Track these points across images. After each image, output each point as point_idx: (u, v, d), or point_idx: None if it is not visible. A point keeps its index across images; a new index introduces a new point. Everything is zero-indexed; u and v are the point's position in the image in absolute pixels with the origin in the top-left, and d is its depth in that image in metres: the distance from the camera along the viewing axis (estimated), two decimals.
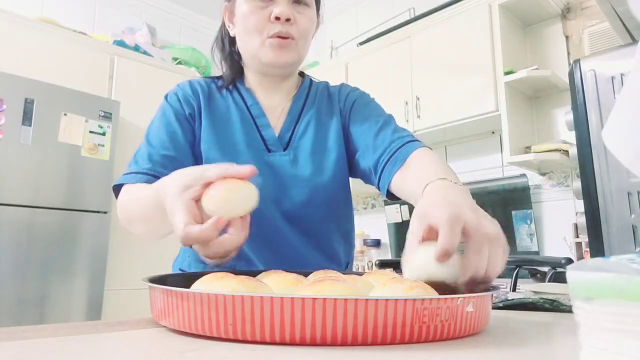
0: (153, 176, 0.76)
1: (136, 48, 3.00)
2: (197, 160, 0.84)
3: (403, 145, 0.76)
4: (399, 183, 0.74)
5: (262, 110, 0.88)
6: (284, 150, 0.85)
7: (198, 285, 0.48)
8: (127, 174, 0.78)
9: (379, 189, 0.80)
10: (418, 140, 0.79)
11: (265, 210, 0.80)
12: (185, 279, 0.52)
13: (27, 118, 2.29)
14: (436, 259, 0.44)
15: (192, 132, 0.86)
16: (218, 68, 0.94)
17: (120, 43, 2.96)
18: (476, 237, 0.45)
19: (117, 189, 0.78)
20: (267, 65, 0.84)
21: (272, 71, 0.86)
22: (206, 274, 0.47)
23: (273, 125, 0.87)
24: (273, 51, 0.81)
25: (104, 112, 2.56)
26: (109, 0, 3.39)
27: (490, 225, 0.47)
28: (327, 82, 0.98)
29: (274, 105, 0.89)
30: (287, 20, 0.79)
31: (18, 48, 2.47)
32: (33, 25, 2.55)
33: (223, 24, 0.92)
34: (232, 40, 0.90)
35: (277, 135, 0.86)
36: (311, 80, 0.98)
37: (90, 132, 2.50)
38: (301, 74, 0.98)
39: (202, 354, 0.32)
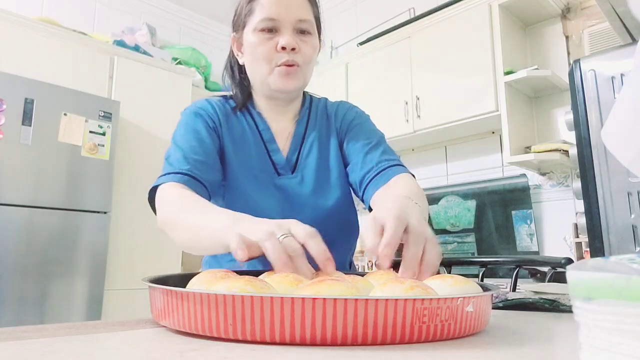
0: (192, 177, 0.80)
1: (136, 48, 3.00)
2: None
3: (389, 167, 0.86)
4: (378, 199, 0.83)
5: (273, 135, 0.94)
6: (292, 173, 0.92)
7: (196, 285, 0.48)
8: (163, 175, 0.80)
9: (362, 202, 0.90)
10: (403, 165, 0.88)
11: None
12: (185, 279, 0.52)
13: (27, 118, 2.29)
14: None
15: (218, 142, 0.90)
16: (230, 91, 1.01)
17: (120, 43, 2.96)
18: (416, 234, 0.55)
19: (152, 193, 0.80)
20: (276, 91, 0.90)
21: (280, 96, 0.92)
22: (205, 274, 0.47)
23: (281, 149, 0.93)
24: (281, 78, 0.87)
25: (104, 112, 2.56)
26: (109, 0, 3.39)
27: (429, 231, 0.56)
28: (325, 100, 1.04)
29: (281, 128, 0.95)
30: (293, 49, 0.85)
31: (18, 48, 2.47)
32: (33, 25, 2.55)
33: (231, 52, 0.98)
34: (240, 68, 0.96)
35: (285, 159, 0.92)
36: (311, 98, 1.03)
37: (90, 132, 2.50)
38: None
39: (202, 354, 0.32)
